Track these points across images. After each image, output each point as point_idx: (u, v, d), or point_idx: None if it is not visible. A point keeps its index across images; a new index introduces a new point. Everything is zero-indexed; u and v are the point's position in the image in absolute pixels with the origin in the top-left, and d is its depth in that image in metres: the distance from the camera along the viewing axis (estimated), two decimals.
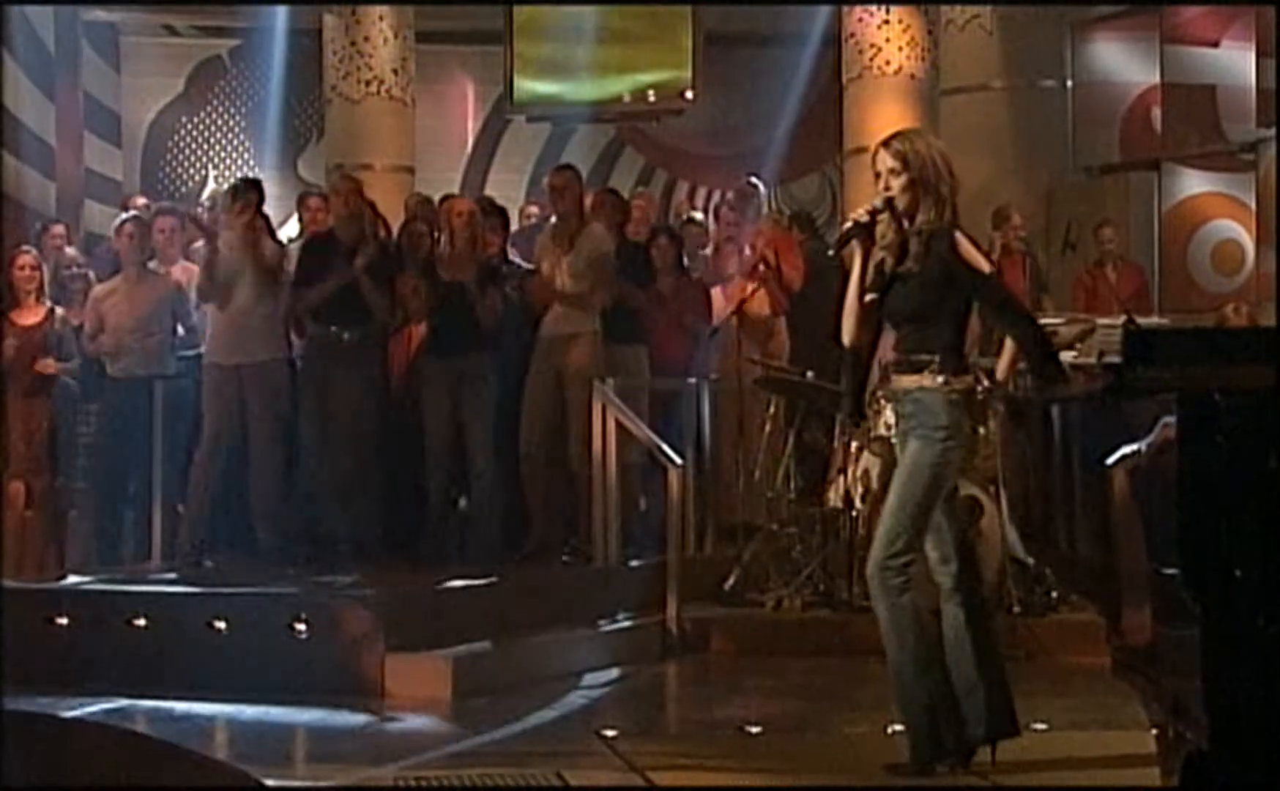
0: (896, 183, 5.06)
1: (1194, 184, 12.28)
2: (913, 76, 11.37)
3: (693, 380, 9.10)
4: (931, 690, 5.09)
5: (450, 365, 8.45)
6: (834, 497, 8.18)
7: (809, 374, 8.64)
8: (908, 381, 5.10)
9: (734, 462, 9.16)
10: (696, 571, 8.43)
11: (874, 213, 5.09)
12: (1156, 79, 12.38)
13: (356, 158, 12.13)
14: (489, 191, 13.66)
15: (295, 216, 11.44)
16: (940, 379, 5.06)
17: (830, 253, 5.18)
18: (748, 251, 10.36)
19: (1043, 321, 9.10)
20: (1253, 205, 11.76)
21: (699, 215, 11.72)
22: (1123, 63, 12.75)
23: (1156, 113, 12.44)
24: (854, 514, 8.03)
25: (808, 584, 8.34)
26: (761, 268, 10.14)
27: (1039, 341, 5.16)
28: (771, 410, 9.00)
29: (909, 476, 5.07)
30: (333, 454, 8.47)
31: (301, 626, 6.88)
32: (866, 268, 5.13)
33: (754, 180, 11.03)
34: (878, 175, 5.13)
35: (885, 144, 5.16)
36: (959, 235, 5.10)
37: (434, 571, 7.87)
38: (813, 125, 13.45)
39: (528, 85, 13.48)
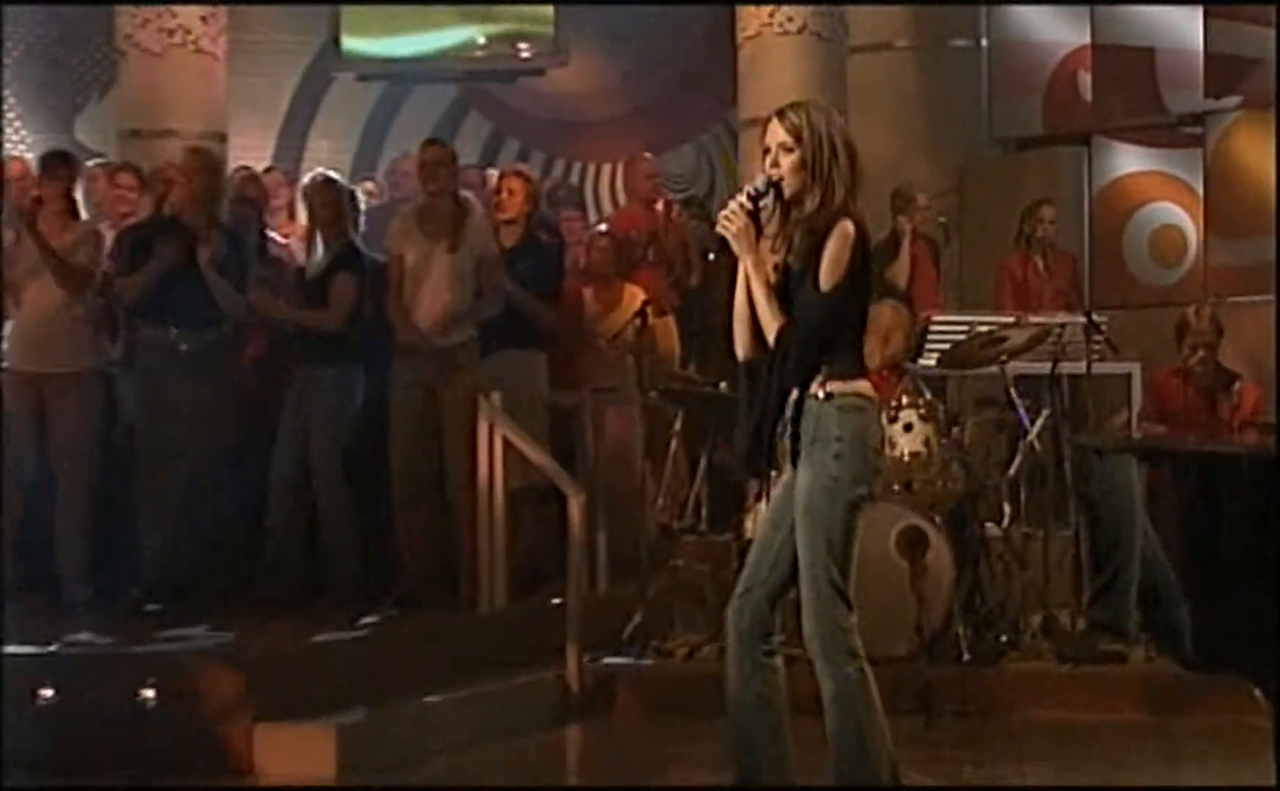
0: (786, 161, 5.03)
1: (1129, 161, 12.62)
2: (819, 35, 11.48)
3: (584, 394, 9.15)
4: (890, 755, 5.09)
5: (303, 375, 8.39)
6: (753, 528, 8.28)
7: (722, 385, 8.72)
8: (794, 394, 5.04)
9: (634, 487, 9.22)
10: (591, 614, 8.46)
11: (756, 197, 5.04)
12: (1086, 39, 12.69)
13: (156, 122, 11.84)
14: (307, 163, 13.52)
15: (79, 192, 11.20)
16: (828, 385, 5.01)
17: (709, 254, 5.13)
18: (636, 239, 10.45)
19: (980, 320, 9.49)
20: (1198, 187, 12.13)
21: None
22: (1047, 20, 13.06)
23: (1086, 78, 12.75)
24: None
25: (724, 630, 8.39)
26: (651, 256, 10.27)
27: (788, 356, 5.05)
28: (678, 427, 9.07)
29: (809, 512, 4.98)
30: (168, 482, 8.32)
31: (149, 692, 6.76)
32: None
33: (648, 154, 11.12)
34: (766, 150, 5.12)
35: (780, 114, 5.10)
36: (846, 226, 4.96)
37: (298, 622, 7.82)
38: (690, 88, 13.54)
39: (358, 37, 13.36)
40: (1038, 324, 9.26)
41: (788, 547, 5.11)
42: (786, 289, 5.03)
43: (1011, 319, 9.84)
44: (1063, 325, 9.63)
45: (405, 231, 8.61)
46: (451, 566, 8.51)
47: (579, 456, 8.91)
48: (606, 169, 14.16)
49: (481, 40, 13.25)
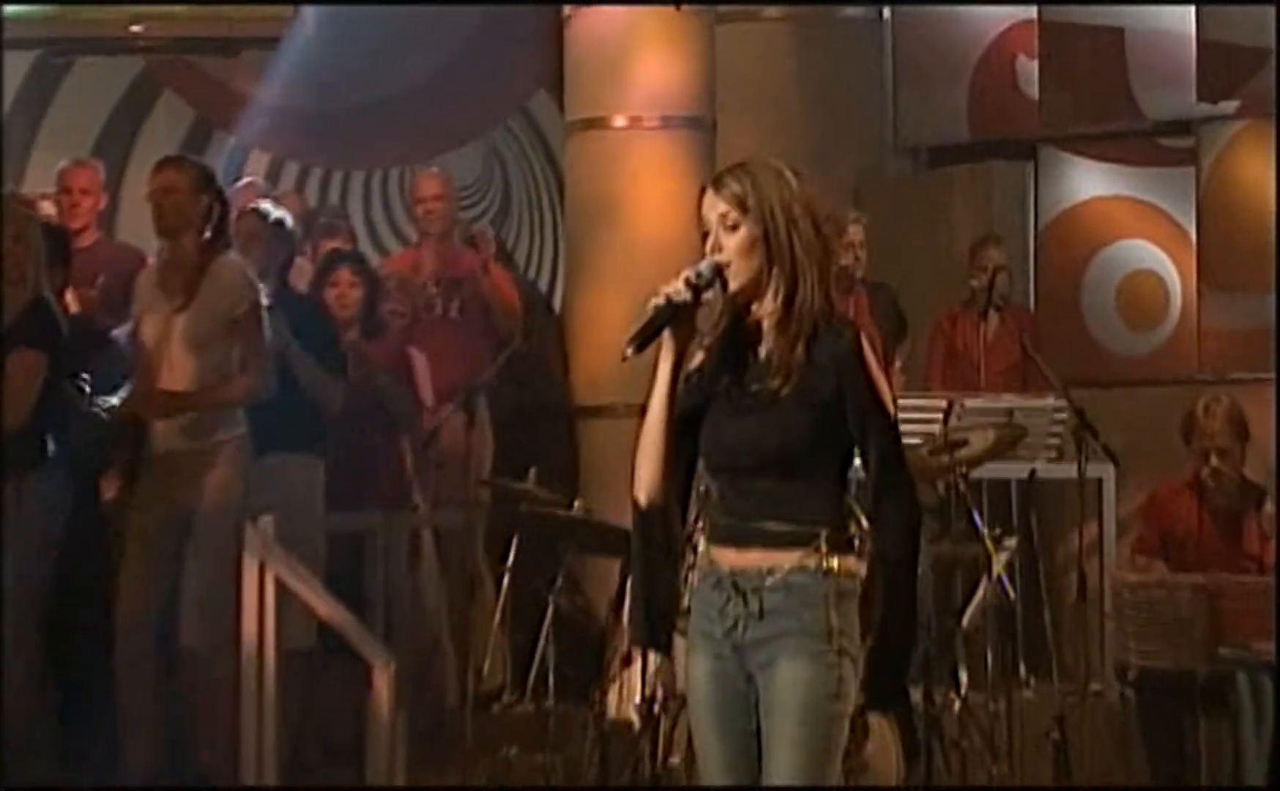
0: (732, 242, 5.20)
1: (1090, 183, 13.01)
2: (679, 7, 11.60)
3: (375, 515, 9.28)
4: None
5: None
6: (618, 703, 8.42)
7: (576, 504, 8.88)
8: (776, 560, 5.23)
9: (450, 644, 9.34)
10: None
11: (697, 286, 5.21)
12: (1030, 13, 13.01)
13: None
14: None
15: None
16: (830, 560, 5.21)
17: (628, 349, 5.28)
18: (434, 291, 10.59)
19: (915, 406, 9.76)
20: (1188, 221, 12.52)
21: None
22: None
23: (1029, 67, 13.05)
24: (653, 729, 8.24)
25: None
26: (456, 314, 10.42)
27: (910, 537, 5.36)
28: (511, 561, 9.18)
29: (806, 721, 5.20)
30: None
31: None
32: (679, 373, 5.28)
33: (436, 170, 11.27)
34: (705, 234, 5.29)
35: (716, 183, 5.28)
36: (864, 337, 5.28)
37: None
38: (478, 68, 13.63)
39: None
40: (996, 416, 9.57)
41: (744, 758, 5.33)
42: (697, 412, 5.27)
43: (941, 403, 10.14)
44: (1009, 411, 9.97)
45: (145, 291, 8.66)
46: (202, 757, 8.53)
47: (371, 603, 8.98)
48: (359, 178, 14.24)
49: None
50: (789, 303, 5.20)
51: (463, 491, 9.60)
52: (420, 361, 10.22)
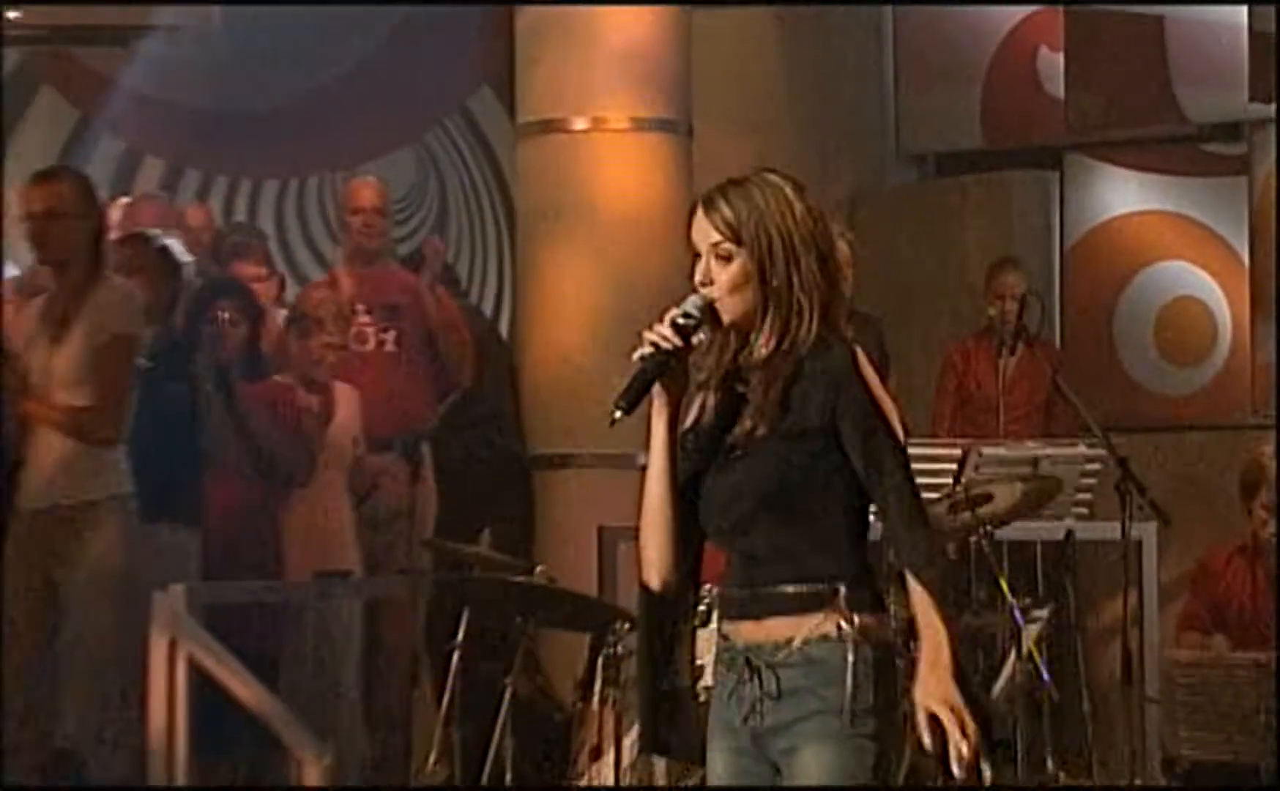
0: (724, 275, 5.18)
1: (1124, 195, 13.08)
2: None
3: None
4: None
5: None
6: None
7: (537, 570, 8.84)
8: (791, 628, 5.16)
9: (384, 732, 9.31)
10: None
11: (686, 329, 5.19)
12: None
13: None
14: None
15: None
16: (853, 622, 5.10)
17: (616, 411, 5.19)
18: (365, 319, 10.58)
19: (924, 454, 9.74)
20: (1238, 239, 12.54)
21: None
22: None
23: (1053, 61, 13.11)
24: None
25: None
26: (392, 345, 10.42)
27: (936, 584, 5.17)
28: (460, 636, 9.15)
29: None
30: None
31: None
32: (677, 426, 5.26)
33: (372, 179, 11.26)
34: (696, 256, 5.30)
35: (707, 203, 5.21)
36: (858, 350, 5.19)
37: None
38: (410, 62, 13.64)
39: None
40: (1019, 466, 9.56)
41: None
42: (716, 461, 5.20)
43: (956, 450, 10.13)
44: (1034, 460, 9.97)
45: (25, 328, 8.66)
46: None
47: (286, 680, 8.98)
48: (272, 187, 14.20)
49: None
50: (780, 343, 5.15)
51: (404, 555, 9.53)
52: (351, 397, 10.17)
